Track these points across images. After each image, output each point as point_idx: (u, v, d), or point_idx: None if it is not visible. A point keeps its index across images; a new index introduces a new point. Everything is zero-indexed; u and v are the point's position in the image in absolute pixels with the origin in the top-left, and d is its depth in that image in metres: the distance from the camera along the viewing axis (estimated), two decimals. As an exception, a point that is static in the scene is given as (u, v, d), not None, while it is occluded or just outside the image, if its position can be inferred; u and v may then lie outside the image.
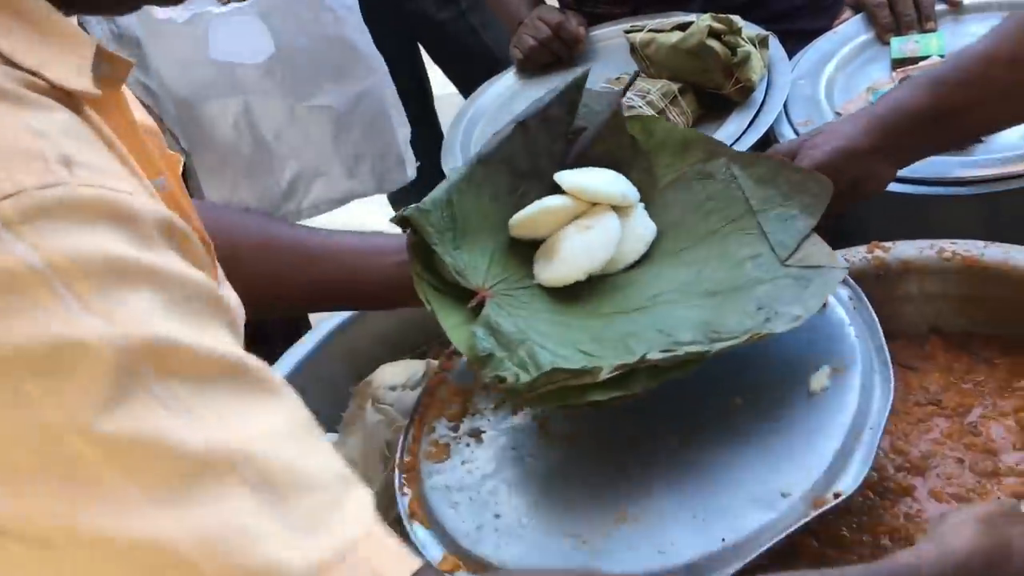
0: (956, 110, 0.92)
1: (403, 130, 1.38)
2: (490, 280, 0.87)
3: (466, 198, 0.89)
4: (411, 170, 1.49)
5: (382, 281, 0.92)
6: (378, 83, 1.34)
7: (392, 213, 0.89)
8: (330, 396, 1.19)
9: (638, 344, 0.79)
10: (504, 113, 1.46)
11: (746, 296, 0.82)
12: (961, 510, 0.66)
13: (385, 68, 1.33)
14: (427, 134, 1.94)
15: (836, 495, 0.74)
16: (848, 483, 0.74)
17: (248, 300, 0.94)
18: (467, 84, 1.70)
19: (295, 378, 1.16)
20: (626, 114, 0.98)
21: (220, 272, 0.75)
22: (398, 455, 0.91)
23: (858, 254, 0.95)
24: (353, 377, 1.19)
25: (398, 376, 1.12)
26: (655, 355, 0.76)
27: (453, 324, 0.83)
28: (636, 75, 1.09)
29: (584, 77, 0.96)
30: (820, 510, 0.72)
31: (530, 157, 0.93)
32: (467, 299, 0.85)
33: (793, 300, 0.80)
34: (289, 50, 1.30)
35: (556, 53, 1.52)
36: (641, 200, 0.92)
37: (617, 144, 0.95)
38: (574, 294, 0.87)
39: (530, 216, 0.89)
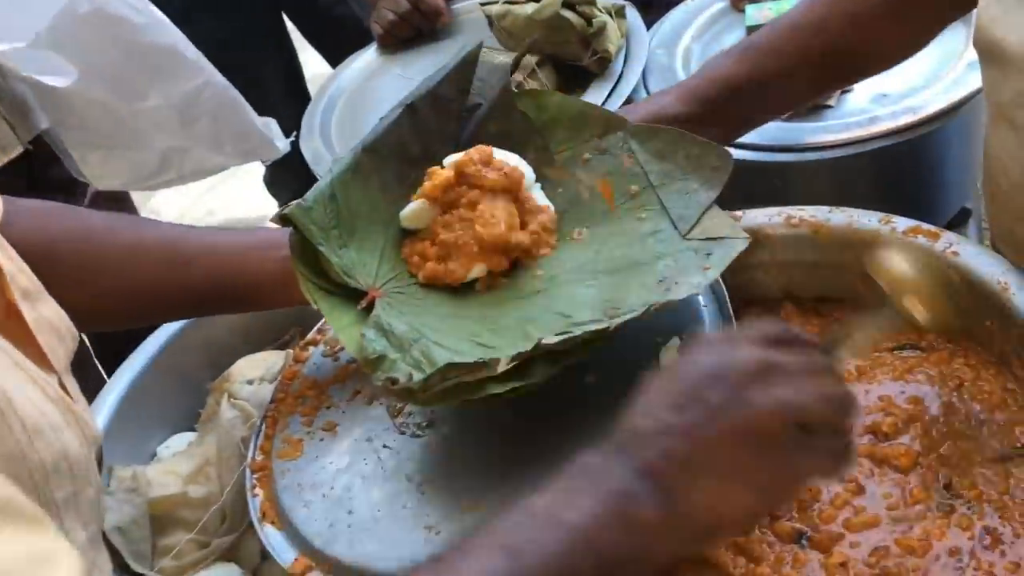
0: (768, 78, 0.92)
1: (255, 115, 1.33)
2: (380, 278, 0.84)
3: (352, 191, 0.85)
4: (281, 145, 1.43)
5: (268, 280, 0.87)
6: (209, 81, 1.29)
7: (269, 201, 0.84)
8: (189, 391, 1.15)
9: (536, 329, 0.77)
10: (367, 91, 1.42)
11: (648, 271, 0.80)
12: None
13: (211, 68, 1.29)
14: (302, 110, 1.89)
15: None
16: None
17: (118, 309, 0.89)
18: (338, 58, 1.65)
19: (149, 373, 1.11)
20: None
21: (35, 288, 0.70)
22: (250, 454, 0.88)
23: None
24: (212, 371, 1.15)
25: (255, 369, 1.08)
26: (551, 339, 0.73)
27: (343, 326, 0.80)
28: (528, 48, 1.05)
29: (476, 52, 0.92)
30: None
31: (421, 141, 0.89)
32: (357, 298, 0.82)
33: (695, 271, 0.79)
34: (100, 66, 1.25)
35: (417, 27, 1.48)
36: (537, 180, 0.90)
37: (510, 122, 0.91)
38: (469, 284, 0.84)
39: (421, 207, 0.85)
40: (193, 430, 1.12)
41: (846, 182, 1.09)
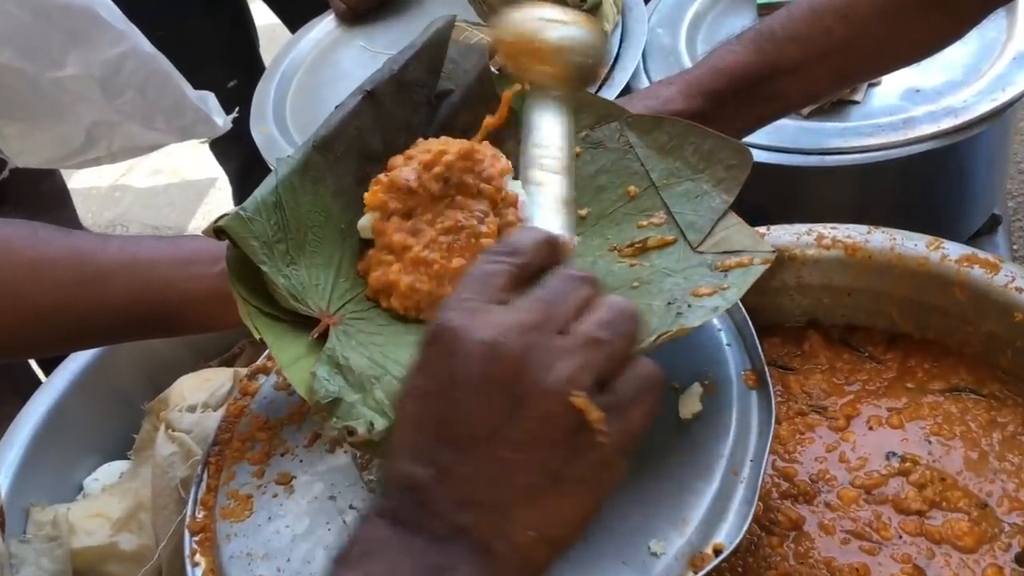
0: (784, 70, 0.80)
1: (189, 89, 1.18)
2: (336, 300, 0.70)
3: (301, 196, 0.71)
4: (221, 121, 1.28)
5: (201, 299, 0.73)
6: (134, 49, 1.14)
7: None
8: (122, 412, 1.01)
9: None
10: (326, 65, 1.26)
11: (654, 291, 0.67)
12: None
13: (136, 34, 1.13)
14: (253, 77, 1.71)
15: (716, 550, 0.62)
16: (729, 533, 0.63)
17: (16, 339, 0.74)
18: (294, 18, 1.48)
19: (76, 391, 0.97)
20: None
21: None
22: (188, 510, 0.74)
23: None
24: (148, 389, 1.01)
25: (198, 391, 0.94)
26: None
27: (291, 360, 0.66)
28: None
29: (448, 28, 0.78)
30: (700, 573, 0.61)
31: (384, 135, 0.75)
32: (308, 326, 0.68)
33: (710, 292, 0.66)
34: (7, 29, 1.09)
35: (384, -3, 1.32)
36: (517, 178, 0.76)
37: (487, 112, 0.77)
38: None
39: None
40: (126, 458, 0.98)
41: (869, 189, 0.97)
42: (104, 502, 0.89)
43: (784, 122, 0.95)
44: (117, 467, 0.97)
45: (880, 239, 0.79)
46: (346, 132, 0.74)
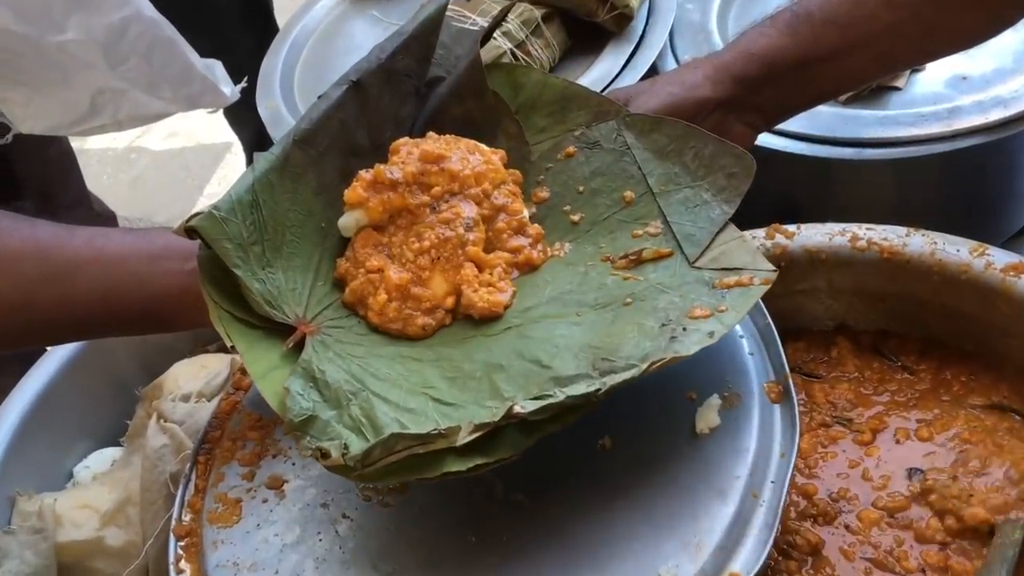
0: (822, 56, 0.74)
1: (196, 57, 1.13)
2: (314, 306, 0.66)
3: (280, 195, 0.67)
4: (229, 91, 1.23)
5: (175, 297, 0.68)
6: (137, 14, 1.09)
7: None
8: (116, 396, 0.97)
9: (507, 382, 0.60)
10: (337, 36, 1.21)
11: (647, 308, 0.62)
12: None
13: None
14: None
15: (732, 580, 0.58)
16: (747, 561, 0.59)
17: None
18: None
19: (69, 373, 0.93)
20: (487, 60, 0.76)
21: None
22: (175, 513, 0.70)
23: (754, 240, 0.77)
24: (144, 374, 0.97)
25: (193, 379, 0.91)
26: (526, 405, 0.56)
27: (264, 371, 0.61)
28: (506, 9, 0.86)
29: (440, 12, 0.74)
30: (714, 608, 0.56)
31: (370, 128, 0.71)
32: (285, 334, 0.63)
33: (707, 314, 0.61)
34: None
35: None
36: (518, 180, 0.71)
37: (478, 104, 0.73)
38: None
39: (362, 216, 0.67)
40: (119, 444, 0.94)
41: (907, 184, 0.91)
42: (94, 492, 0.85)
43: (819, 108, 0.89)
44: (109, 454, 0.93)
45: (919, 243, 0.73)
46: (329, 126, 0.69)
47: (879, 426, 0.73)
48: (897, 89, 0.94)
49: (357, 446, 0.56)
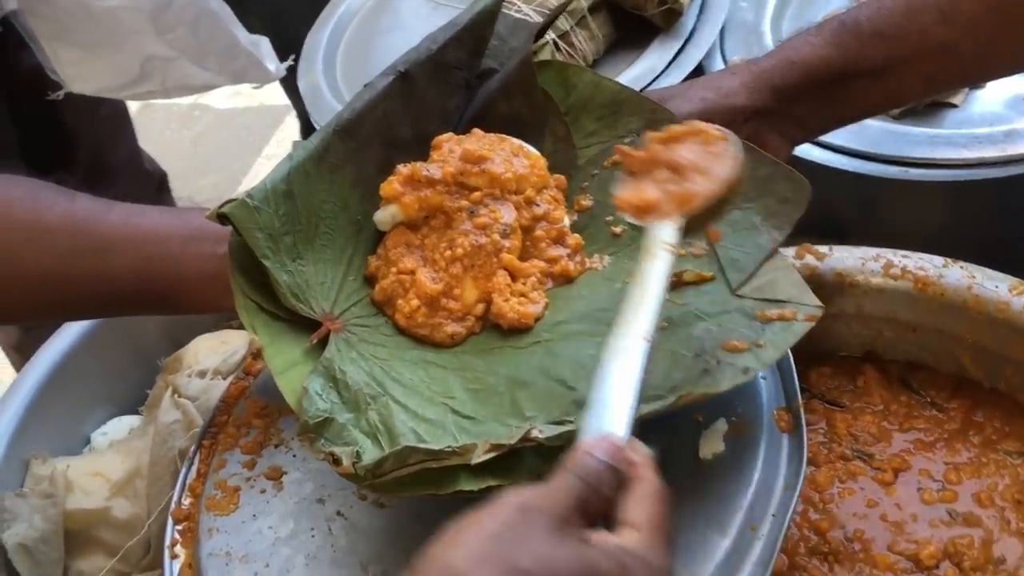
0: (867, 70, 0.70)
1: (242, 32, 1.12)
2: (342, 301, 0.64)
3: (315, 185, 0.65)
4: (274, 68, 1.23)
5: (203, 280, 0.68)
6: None
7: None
8: (138, 365, 0.98)
9: (529, 401, 0.58)
10: (385, 14, 1.19)
11: (681, 335, 0.60)
12: None
13: None
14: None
15: (723, 616, 0.56)
16: (740, 599, 0.56)
17: (9, 303, 0.70)
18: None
19: (92, 339, 0.93)
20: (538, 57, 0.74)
21: None
22: (175, 496, 0.71)
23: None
24: (167, 344, 0.98)
25: (212, 355, 0.91)
26: (545, 430, 0.55)
27: (284, 367, 0.60)
28: (565, 4, 0.83)
29: (497, 5, 0.71)
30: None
31: (414, 121, 0.69)
32: (310, 328, 0.63)
33: (744, 348, 0.58)
34: None
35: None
36: (563, 186, 0.69)
37: (527, 103, 0.70)
38: None
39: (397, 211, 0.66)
40: (139, 413, 0.95)
41: (958, 210, 0.87)
42: (108, 460, 0.86)
43: (867, 122, 0.85)
44: (127, 422, 0.94)
45: (957, 275, 0.70)
46: (372, 116, 0.67)
47: (902, 466, 0.70)
48: (953, 106, 0.89)
49: (371, 454, 0.56)
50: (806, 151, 0.86)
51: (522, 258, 0.65)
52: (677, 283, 0.63)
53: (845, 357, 0.77)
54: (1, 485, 0.82)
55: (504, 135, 0.68)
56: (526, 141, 0.68)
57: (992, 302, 0.68)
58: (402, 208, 0.65)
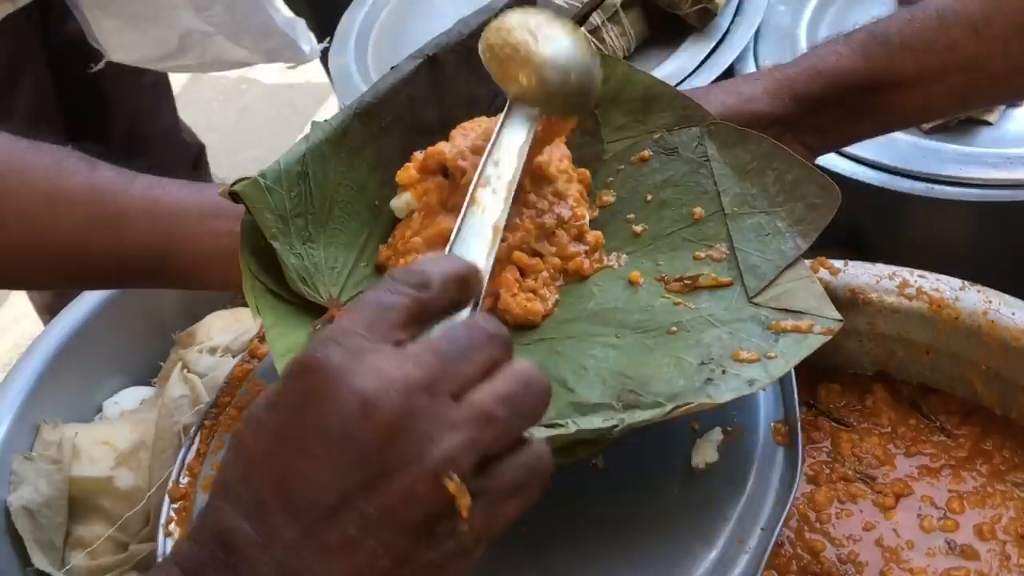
0: (894, 83, 0.69)
1: (278, 12, 1.13)
2: (351, 287, 0.64)
3: (332, 168, 0.65)
4: (308, 49, 1.24)
5: (217, 256, 0.68)
6: None
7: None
8: (155, 336, 0.98)
9: None
10: (418, -1, 1.18)
11: (689, 341, 0.59)
12: None
13: None
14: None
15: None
16: (722, 615, 0.56)
17: (24, 270, 0.71)
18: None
19: (110, 308, 0.94)
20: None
21: None
22: (173, 474, 0.71)
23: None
24: (183, 318, 0.98)
25: (225, 332, 0.91)
26: (535, 432, 0.54)
27: (285, 350, 0.60)
28: None
29: None
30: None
31: (441, 106, 0.68)
32: (316, 312, 0.62)
33: (753, 358, 0.57)
34: None
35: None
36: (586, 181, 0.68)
37: None
38: None
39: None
40: (151, 384, 0.96)
41: (983, 231, 0.84)
42: (116, 429, 0.87)
43: (897, 135, 0.83)
44: (139, 393, 0.95)
45: (973, 299, 0.68)
46: (396, 100, 0.67)
47: (904, 491, 0.69)
48: (987, 124, 0.86)
49: None
50: (831, 161, 0.84)
51: (537, 252, 0.64)
52: (692, 286, 0.62)
53: (856, 375, 0.75)
54: (11, 447, 0.84)
55: None
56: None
57: (1007, 329, 0.66)
58: (415, 196, 0.64)
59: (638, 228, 0.66)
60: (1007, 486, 0.68)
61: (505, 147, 0.57)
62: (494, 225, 0.53)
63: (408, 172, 0.64)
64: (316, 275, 0.63)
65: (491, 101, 0.70)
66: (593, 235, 0.65)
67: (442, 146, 0.64)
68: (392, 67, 0.68)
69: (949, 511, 0.67)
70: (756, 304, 0.60)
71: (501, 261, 0.62)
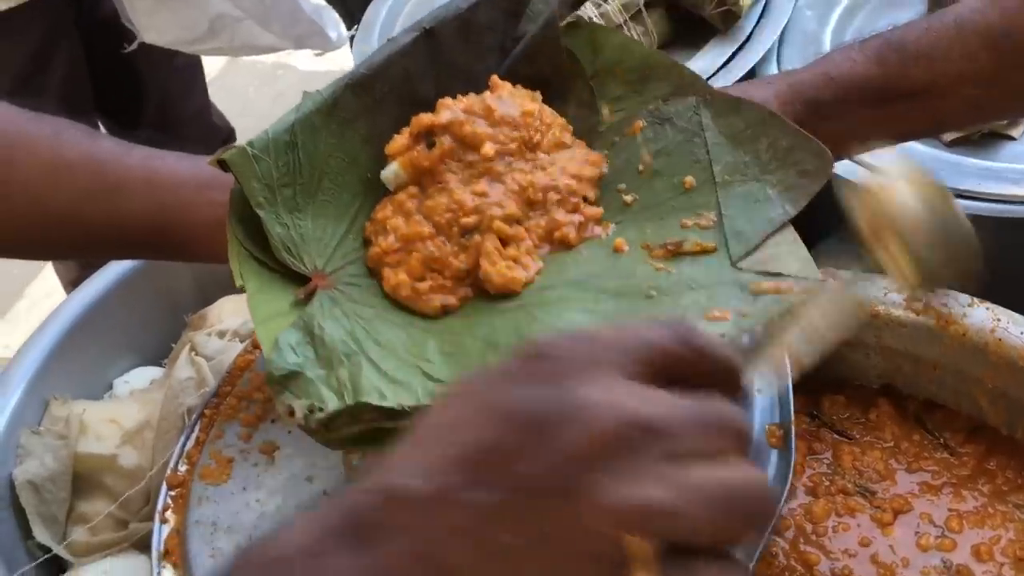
0: (907, 92, 0.67)
1: (307, 1, 1.14)
2: (337, 258, 0.64)
3: (322, 139, 0.64)
4: (335, 36, 1.25)
5: (213, 227, 0.67)
6: None
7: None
8: (168, 317, 0.99)
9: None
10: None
11: (668, 304, 0.58)
12: None
13: None
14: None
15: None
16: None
17: (24, 240, 0.72)
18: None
19: (124, 287, 0.95)
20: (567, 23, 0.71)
21: None
22: (172, 461, 0.72)
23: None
24: (197, 299, 0.99)
25: (235, 316, 0.92)
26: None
27: (266, 317, 0.60)
28: None
29: None
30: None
31: (438, 80, 0.67)
32: (301, 282, 0.62)
33: (728, 317, 0.57)
34: None
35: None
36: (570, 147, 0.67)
37: (550, 63, 0.68)
38: None
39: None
40: (162, 365, 0.97)
41: (1002, 248, 0.82)
42: (124, 408, 0.88)
43: (917, 147, 0.82)
44: (150, 373, 0.96)
45: (981, 316, 0.67)
46: (391, 72, 0.66)
47: (903, 507, 0.68)
48: (1011, 139, 0.85)
49: (333, 405, 0.55)
50: (848, 170, 0.83)
51: (518, 220, 0.63)
52: (675, 251, 0.61)
53: (861, 387, 0.74)
54: (20, 422, 0.85)
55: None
56: (549, 106, 0.66)
57: (1015, 348, 0.65)
58: (402, 166, 0.64)
59: (628, 198, 0.65)
60: (1008, 507, 0.67)
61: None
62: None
63: (397, 142, 0.64)
64: (302, 245, 0.63)
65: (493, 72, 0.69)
66: (591, 210, 0.64)
67: (420, 117, 0.63)
68: (388, 38, 0.68)
69: (948, 530, 0.67)
70: (739, 269, 0.59)
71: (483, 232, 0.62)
